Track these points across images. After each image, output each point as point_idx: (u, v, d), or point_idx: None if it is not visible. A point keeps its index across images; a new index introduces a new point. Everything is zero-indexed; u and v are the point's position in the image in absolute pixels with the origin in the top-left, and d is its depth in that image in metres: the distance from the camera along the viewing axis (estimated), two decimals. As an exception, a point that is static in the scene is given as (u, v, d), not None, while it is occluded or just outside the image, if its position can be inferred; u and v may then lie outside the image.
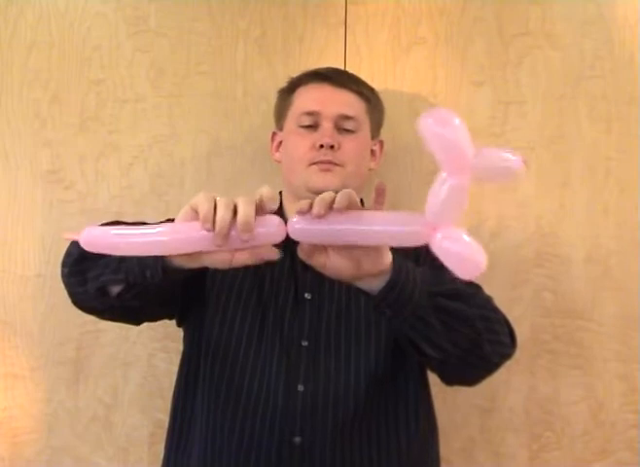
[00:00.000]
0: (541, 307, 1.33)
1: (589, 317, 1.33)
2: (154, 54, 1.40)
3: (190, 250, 0.77)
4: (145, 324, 1.16)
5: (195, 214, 0.75)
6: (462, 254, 0.69)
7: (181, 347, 1.13)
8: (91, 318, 1.04)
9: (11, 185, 1.40)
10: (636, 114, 1.34)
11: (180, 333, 1.16)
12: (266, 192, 0.74)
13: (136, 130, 1.39)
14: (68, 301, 0.99)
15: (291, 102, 1.17)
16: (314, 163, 1.10)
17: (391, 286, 0.81)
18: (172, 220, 0.82)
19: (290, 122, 1.16)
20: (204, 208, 0.73)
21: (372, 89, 1.21)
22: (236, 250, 0.77)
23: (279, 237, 0.77)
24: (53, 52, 1.41)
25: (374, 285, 0.82)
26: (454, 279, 0.82)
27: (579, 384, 1.33)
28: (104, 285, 0.89)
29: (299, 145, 1.12)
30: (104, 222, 1.00)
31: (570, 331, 1.33)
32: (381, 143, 1.24)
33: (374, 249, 0.78)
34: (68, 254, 0.95)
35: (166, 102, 1.40)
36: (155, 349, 1.37)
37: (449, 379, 1.02)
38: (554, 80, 1.36)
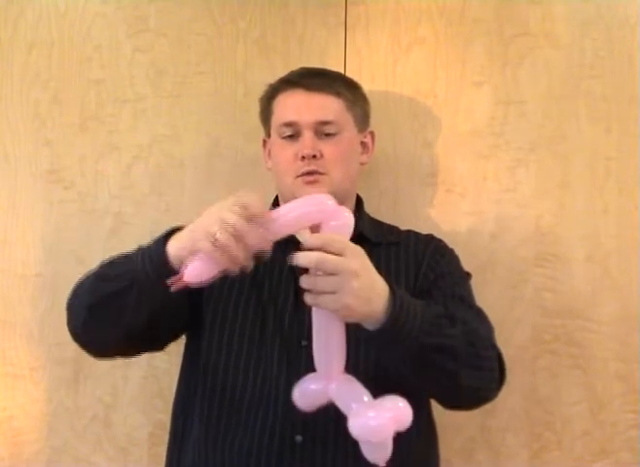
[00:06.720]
0: (541, 307, 1.33)
1: (589, 317, 1.33)
2: (154, 54, 1.40)
3: None
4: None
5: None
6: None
7: (181, 348, 1.14)
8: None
9: (11, 185, 1.40)
10: (636, 114, 1.34)
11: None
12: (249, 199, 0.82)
13: (136, 130, 1.39)
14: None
15: (271, 111, 1.17)
16: (300, 176, 1.10)
17: (386, 333, 0.88)
18: (179, 229, 0.89)
19: (273, 132, 1.17)
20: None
21: (348, 84, 1.18)
22: None
23: None
24: (53, 51, 1.41)
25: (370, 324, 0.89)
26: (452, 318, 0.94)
27: (579, 384, 1.32)
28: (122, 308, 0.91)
29: (282, 156, 1.13)
30: None
31: (570, 331, 1.33)
32: (372, 134, 1.22)
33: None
34: (74, 314, 0.99)
35: (166, 102, 1.40)
36: (155, 349, 1.37)
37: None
38: (554, 80, 1.36)
